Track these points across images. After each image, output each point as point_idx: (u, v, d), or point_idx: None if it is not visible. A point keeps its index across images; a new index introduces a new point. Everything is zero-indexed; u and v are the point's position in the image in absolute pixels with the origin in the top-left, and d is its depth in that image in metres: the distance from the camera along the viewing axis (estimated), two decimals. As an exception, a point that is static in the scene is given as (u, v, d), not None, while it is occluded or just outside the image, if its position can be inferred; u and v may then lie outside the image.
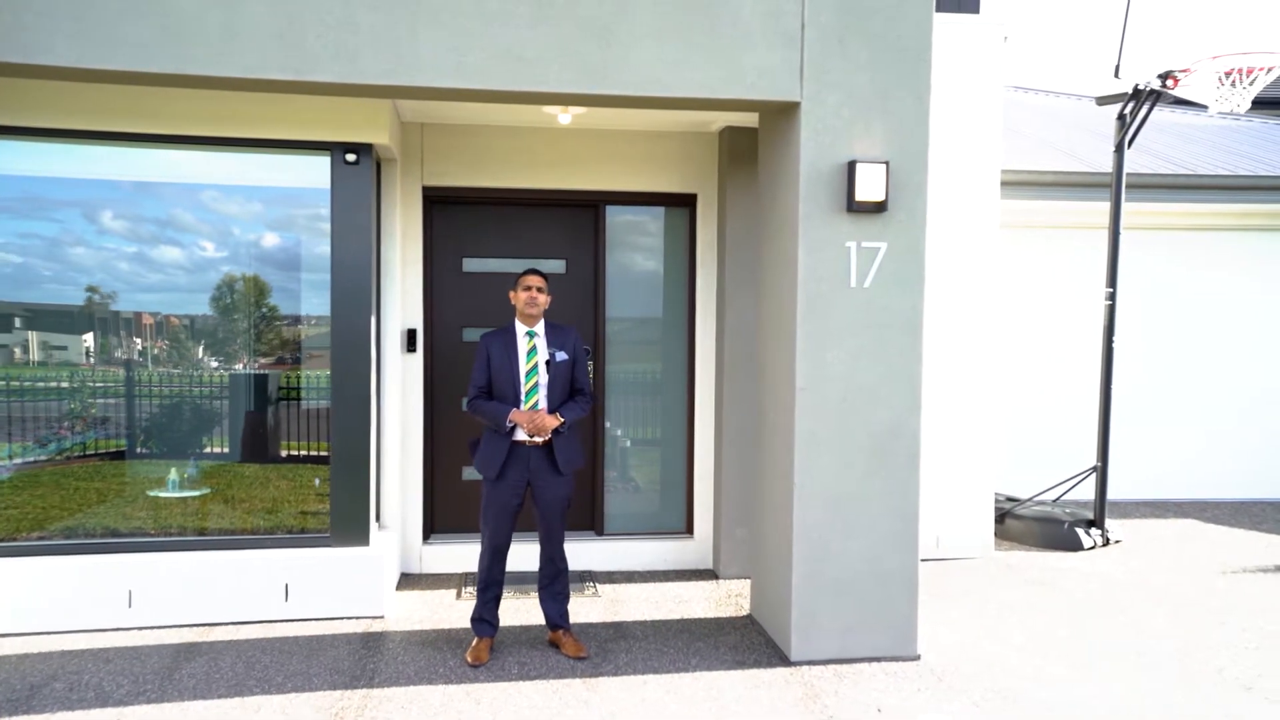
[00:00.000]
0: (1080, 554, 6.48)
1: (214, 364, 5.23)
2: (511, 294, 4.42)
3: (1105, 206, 6.99)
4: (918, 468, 4.44)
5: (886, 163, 4.27)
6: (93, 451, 5.12)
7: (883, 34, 4.31)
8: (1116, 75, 6.62)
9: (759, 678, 4.22)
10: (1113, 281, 6.75)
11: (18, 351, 4.98)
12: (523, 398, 4.33)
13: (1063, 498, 7.21)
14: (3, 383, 4.94)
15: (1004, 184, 6.79)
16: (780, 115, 4.50)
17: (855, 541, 4.41)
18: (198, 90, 4.31)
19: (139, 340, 5.13)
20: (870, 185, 4.26)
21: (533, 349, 4.38)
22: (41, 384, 5.06)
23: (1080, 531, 6.64)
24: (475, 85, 4.04)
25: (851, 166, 4.25)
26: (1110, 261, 6.75)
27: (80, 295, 4.98)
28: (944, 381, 6.20)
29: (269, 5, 3.86)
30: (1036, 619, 5.04)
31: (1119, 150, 6.70)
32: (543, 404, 4.35)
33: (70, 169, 4.87)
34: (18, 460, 4.95)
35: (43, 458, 5.01)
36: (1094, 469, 6.83)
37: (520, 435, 4.32)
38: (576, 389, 4.48)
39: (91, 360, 5.06)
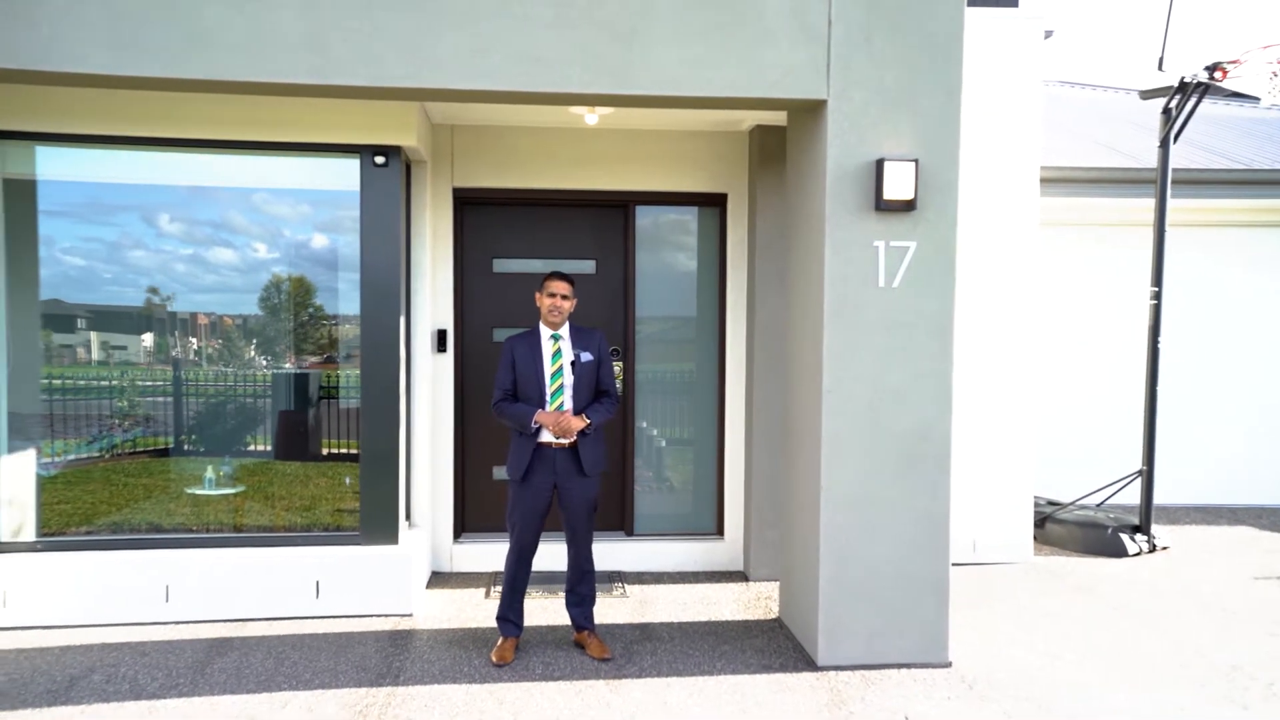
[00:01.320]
0: (1124, 560, 6.31)
1: (252, 363, 5.33)
2: (537, 295, 4.43)
3: (1150, 203, 6.80)
4: (948, 471, 4.36)
5: (915, 161, 4.20)
6: (141, 449, 5.25)
7: (912, 29, 4.23)
8: (1160, 68, 6.43)
9: (784, 682, 4.17)
10: (1158, 280, 6.56)
11: (80, 351, 5.13)
12: (548, 399, 4.34)
13: (1107, 502, 7.03)
14: (60, 381, 5.09)
15: (1044, 181, 6.63)
16: (807, 113, 4.45)
17: (883, 545, 4.34)
18: (229, 96, 4.39)
19: (192, 339, 5.26)
20: (899, 184, 4.19)
21: (557, 351, 4.38)
22: (98, 382, 5.20)
23: (1125, 537, 6.47)
24: (497, 87, 4.05)
25: (879, 165, 4.18)
26: (1155, 259, 6.57)
27: (133, 296, 5.11)
28: (981, 383, 6.08)
29: (294, 11, 3.92)
30: (1075, 627, 4.92)
31: (1164, 145, 6.51)
32: (568, 405, 4.35)
33: (117, 174, 5.01)
34: (70, 456, 5.09)
35: (95, 454, 5.15)
36: (1139, 472, 6.65)
37: (546, 437, 4.33)
38: (602, 390, 4.48)
39: (150, 359, 5.19)
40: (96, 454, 5.17)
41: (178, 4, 3.87)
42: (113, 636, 4.61)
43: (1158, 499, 7.06)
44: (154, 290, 5.11)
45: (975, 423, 6.08)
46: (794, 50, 4.18)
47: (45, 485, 5.02)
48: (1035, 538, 6.62)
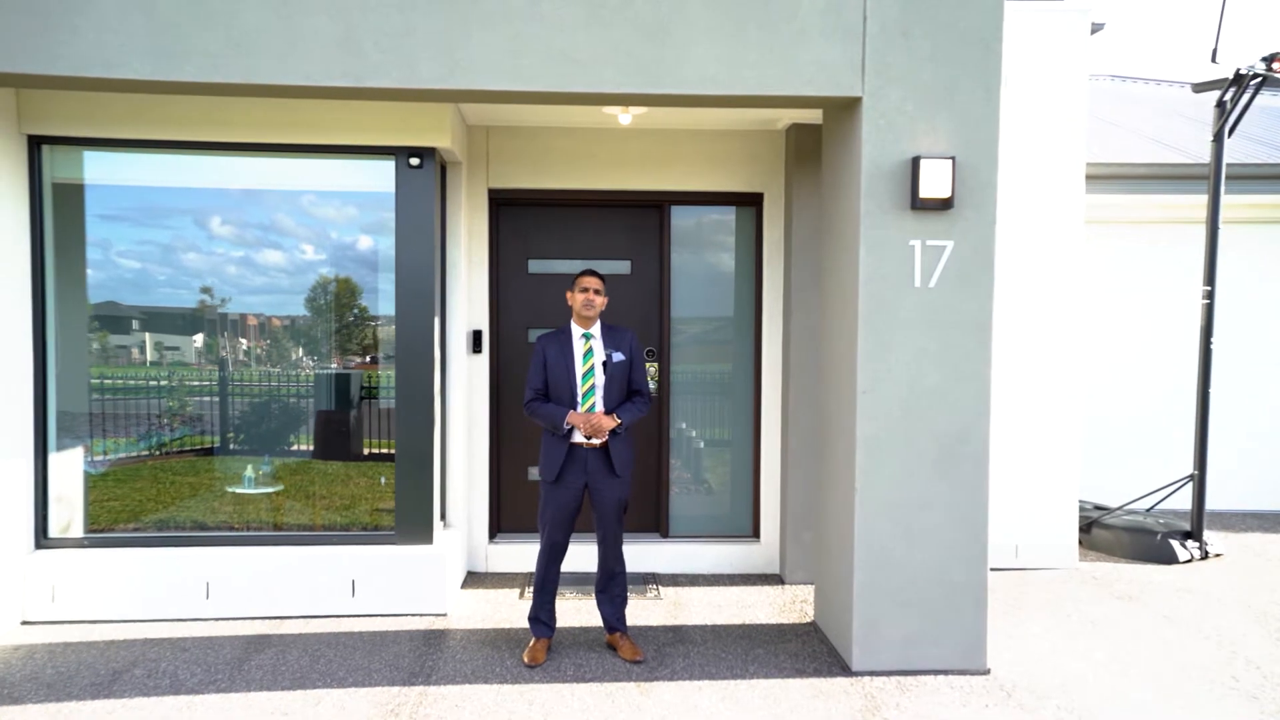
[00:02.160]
0: (1174, 568, 6.13)
1: (296, 363, 5.40)
2: (569, 294, 4.42)
3: (1201, 199, 6.60)
4: (986, 474, 4.27)
5: (953, 158, 4.11)
6: (188, 448, 5.35)
7: (950, 25, 4.15)
8: (1214, 60, 6.24)
9: (818, 687, 4.12)
10: (1211, 279, 6.36)
11: (135, 352, 5.25)
12: (579, 399, 4.33)
13: (1156, 507, 6.84)
14: (108, 380, 5.20)
15: (1090, 178, 6.48)
16: (842, 111, 4.39)
17: (919, 549, 4.26)
18: (268, 100, 4.46)
19: (242, 340, 5.35)
20: (935, 181, 4.10)
21: (589, 350, 4.37)
22: (146, 382, 5.31)
23: (1175, 543, 6.28)
24: (529, 87, 4.05)
25: (915, 162, 4.11)
26: (1208, 257, 6.37)
27: (180, 297, 5.22)
28: (1024, 384, 5.96)
29: (329, 15, 3.96)
30: (1120, 635, 4.79)
31: (1217, 139, 6.31)
32: (599, 405, 4.34)
33: (160, 178, 5.11)
34: (120, 455, 5.21)
35: (142, 452, 5.26)
36: (1190, 476, 6.45)
37: (577, 437, 4.32)
38: (634, 390, 4.46)
39: (200, 359, 5.30)
40: (144, 452, 5.27)
41: (216, 9, 3.94)
42: (155, 632, 4.71)
43: (1211, 504, 6.87)
44: (207, 291, 5.20)
45: (1018, 425, 5.95)
46: (828, 47, 4.12)
47: (94, 483, 5.14)
48: (1080, 543, 6.46)
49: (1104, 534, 6.56)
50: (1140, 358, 7.76)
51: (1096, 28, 11.40)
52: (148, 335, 5.27)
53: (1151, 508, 6.84)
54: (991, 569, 5.62)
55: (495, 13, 4.01)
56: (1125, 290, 7.75)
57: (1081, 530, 6.54)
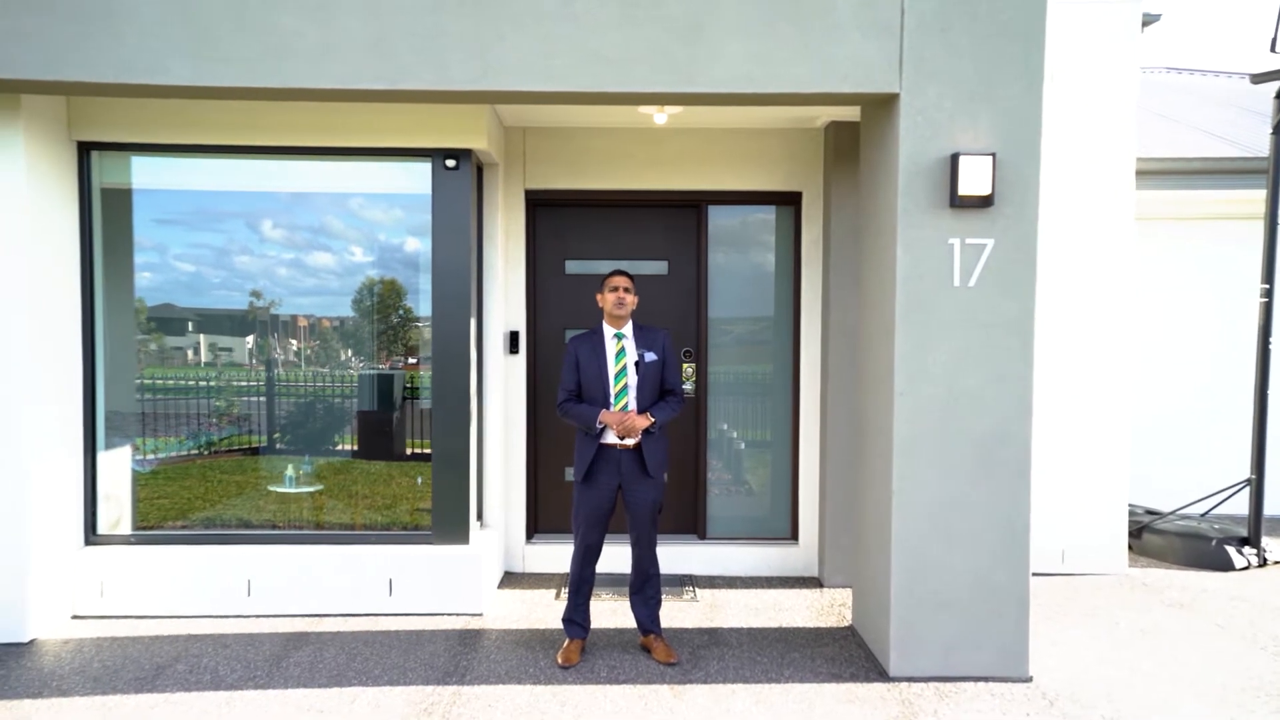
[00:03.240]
0: (1230, 575, 5.93)
1: (341, 363, 5.47)
2: (599, 296, 4.41)
3: (1258, 194, 6.38)
4: (1028, 477, 4.16)
5: (993, 154, 4.02)
6: (235, 447, 5.45)
7: (989, 18, 4.06)
8: (1273, 49, 6.03)
9: (854, 692, 4.05)
10: (1269, 277, 6.14)
11: (190, 354, 5.37)
12: (612, 400, 4.32)
13: (1211, 512, 6.63)
14: (158, 381, 5.33)
15: (1141, 173, 6.30)
16: (878, 108, 4.32)
17: (958, 553, 4.17)
18: (305, 103, 4.52)
19: (292, 341, 5.45)
20: (974, 178, 4.02)
21: (621, 350, 4.35)
22: (194, 382, 5.43)
23: (1231, 550, 6.08)
24: (561, 88, 4.05)
25: (954, 159, 4.02)
26: (1266, 254, 6.14)
27: (234, 299, 5.32)
28: (1071, 385, 5.81)
29: (362, 19, 3.99)
30: (1170, 644, 4.64)
31: (1277, 132, 6.09)
32: (632, 405, 4.32)
33: (200, 182, 5.22)
34: (170, 453, 5.32)
35: (190, 451, 5.37)
36: (1248, 481, 6.24)
37: (610, 438, 4.31)
38: (667, 389, 4.43)
39: (254, 360, 5.40)
40: (191, 451, 5.38)
41: (254, 15, 4.00)
42: (197, 628, 4.79)
43: (1270, 509, 6.64)
44: (257, 293, 5.30)
45: (1065, 427, 5.81)
46: (864, 42, 4.06)
47: (143, 481, 5.26)
48: (1131, 548, 6.29)
49: (1156, 539, 6.38)
50: (1192, 358, 7.52)
51: (1151, 19, 11.10)
52: (202, 337, 5.38)
53: (1206, 512, 6.64)
54: (1036, 574, 5.49)
55: (526, 13, 4.02)
56: (1177, 288, 7.52)
57: (1132, 535, 6.37)
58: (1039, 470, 5.32)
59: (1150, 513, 6.67)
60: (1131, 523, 6.35)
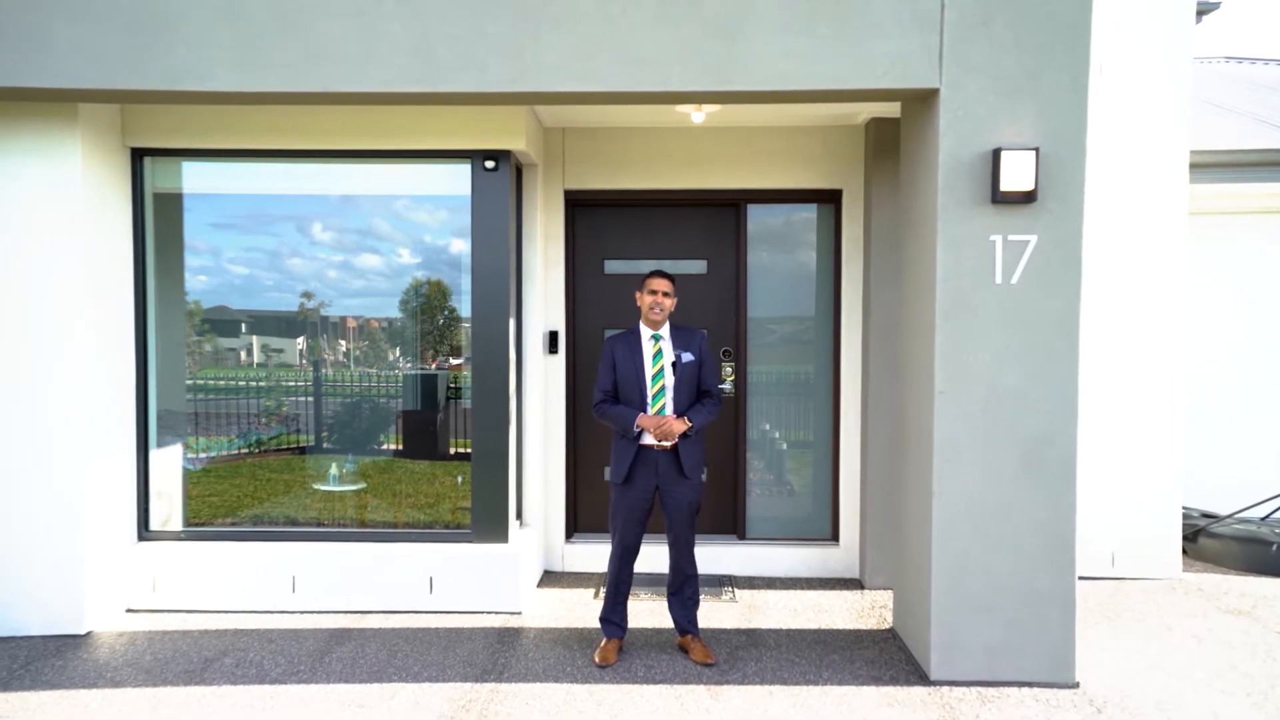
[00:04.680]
0: (1289, 580, 5.75)
1: (387, 364, 5.56)
2: (637, 295, 4.41)
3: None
4: (1074, 479, 4.07)
5: (1036, 149, 3.94)
6: (284, 446, 5.56)
7: (1034, 10, 3.98)
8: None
9: (894, 696, 4.00)
10: (1331, 272, 5.94)
11: (243, 354, 5.50)
12: (649, 401, 4.31)
13: (1272, 516, 6.42)
14: (209, 381, 5.46)
15: (1195, 166, 6.12)
16: (918, 103, 4.26)
17: (1001, 556, 4.10)
18: (347, 107, 4.59)
19: (341, 341, 5.56)
20: (1017, 174, 3.94)
21: (658, 352, 4.35)
22: (243, 382, 5.56)
23: (1291, 554, 5.89)
24: (598, 88, 4.07)
25: (996, 154, 3.95)
26: (1328, 249, 5.95)
27: (285, 301, 5.44)
28: (1122, 384, 5.67)
29: (402, 22, 4.04)
30: (1224, 652, 4.51)
31: (1338, 123, 5.89)
32: (669, 406, 4.31)
33: (246, 186, 5.34)
34: (222, 452, 5.45)
35: (240, 450, 5.49)
36: (1308, 484, 6.04)
37: (647, 440, 4.30)
38: (704, 391, 4.42)
39: (304, 361, 5.52)
40: (241, 450, 5.50)
41: (296, 22, 4.07)
42: (244, 623, 4.89)
43: (1331, 513, 6.41)
44: (308, 295, 5.41)
45: (1116, 426, 5.67)
46: (904, 37, 4.00)
47: (194, 479, 5.39)
48: (1185, 552, 6.13)
49: (1212, 543, 6.20)
50: (1249, 356, 7.29)
51: (1208, 8, 10.79)
52: (255, 338, 5.50)
53: (1266, 516, 6.43)
54: (1084, 577, 5.36)
55: (564, 15, 4.04)
56: (1232, 285, 7.29)
57: (1187, 539, 6.20)
58: (1088, 471, 5.20)
59: (1206, 516, 6.48)
60: (1186, 526, 6.18)
